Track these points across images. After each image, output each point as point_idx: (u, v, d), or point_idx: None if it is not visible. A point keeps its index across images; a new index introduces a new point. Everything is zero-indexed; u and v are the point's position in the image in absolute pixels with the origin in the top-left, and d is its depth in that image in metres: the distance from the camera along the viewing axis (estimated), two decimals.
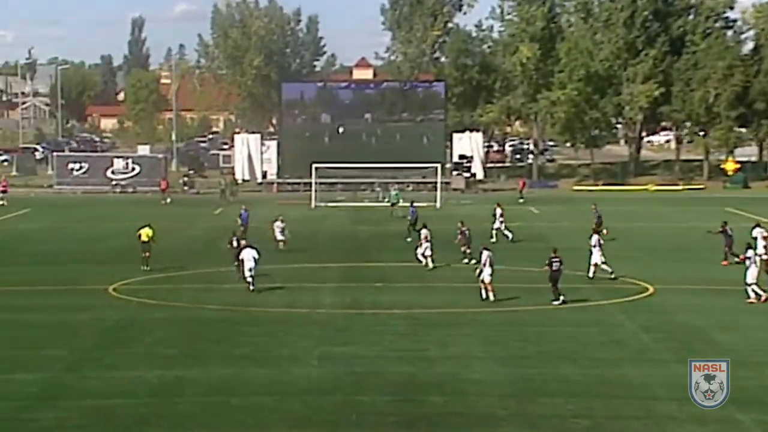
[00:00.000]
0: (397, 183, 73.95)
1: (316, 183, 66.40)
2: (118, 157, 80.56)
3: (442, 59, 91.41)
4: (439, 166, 70.14)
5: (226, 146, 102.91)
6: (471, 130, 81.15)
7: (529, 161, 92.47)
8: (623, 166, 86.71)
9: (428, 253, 38.12)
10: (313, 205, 63.82)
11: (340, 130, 78.49)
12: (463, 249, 39.61)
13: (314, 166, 66.51)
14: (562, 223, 52.22)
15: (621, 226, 53.13)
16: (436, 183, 68.07)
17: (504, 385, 22.47)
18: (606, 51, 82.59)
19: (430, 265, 37.93)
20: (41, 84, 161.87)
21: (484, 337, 26.98)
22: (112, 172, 76.39)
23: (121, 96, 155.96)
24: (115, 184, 75.66)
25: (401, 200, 57.13)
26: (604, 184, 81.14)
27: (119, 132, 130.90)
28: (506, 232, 46.12)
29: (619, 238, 48.39)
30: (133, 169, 76.41)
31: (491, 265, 31.52)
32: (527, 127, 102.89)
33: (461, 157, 77.21)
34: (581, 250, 43.41)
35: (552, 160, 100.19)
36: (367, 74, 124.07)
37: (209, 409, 20.72)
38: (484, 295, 31.52)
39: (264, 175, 77.43)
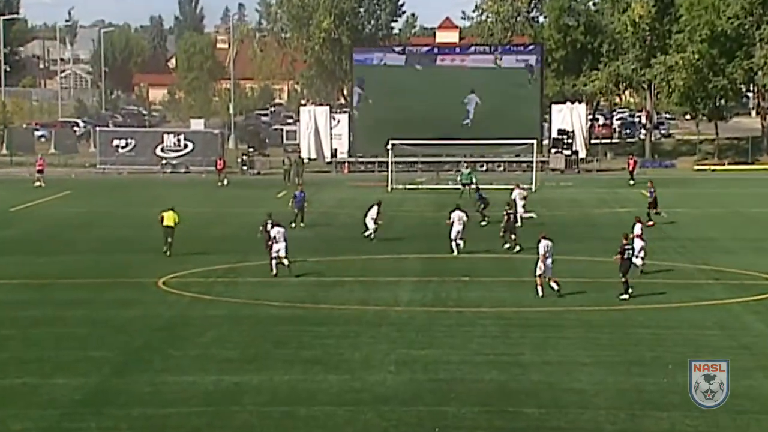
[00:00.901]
0: (486, 162, 73.93)
1: (393, 162, 66.77)
2: (168, 132, 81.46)
3: (540, 19, 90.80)
4: (534, 142, 69.80)
5: (290, 120, 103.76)
6: (573, 101, 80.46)
7: (641, 136, 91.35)
8: (754, 141, 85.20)
9: (455, 237, 39.06)
10: (389, 187, 64.09)
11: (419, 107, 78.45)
12: (502, 234, 40.04)
13: (391, 143, 66.86)
14: (679, 209, 51.55)
15: (752, 212, 52.29)
16: (531, 162, 67.80)
17: (612, 395, 22.34)
18: (735, 6, 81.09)
19: (455, 251, 38.91)
20: (82, 50, 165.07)
21: (587, 340, 26.85)
22: (162, 150, 77.41)
23: (172, 63, 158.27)
24: (166, 164, 76.63)
25: (474, 180, 57.12)
26: (730, 163, 79.88)
27: (170, 104, 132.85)
28: (527, 215, 46.29)
29: (749, 226, 47.64)
30: (186, 146, 77.28)
31: (550, 257, 31.66)
32: (639, 97, 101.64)
33: (561, 132, 76.65)
34: (702, 240, 43.00)
35: (668, 136, 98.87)
36: (452, 37, 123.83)
37: (272, 420, 20.98)
38: (540, 292, 31.64)
39: (333, 154, 77.98)
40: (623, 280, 31.50)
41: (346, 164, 77.33)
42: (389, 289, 33.37)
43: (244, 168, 76.44)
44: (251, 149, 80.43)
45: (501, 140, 71.92)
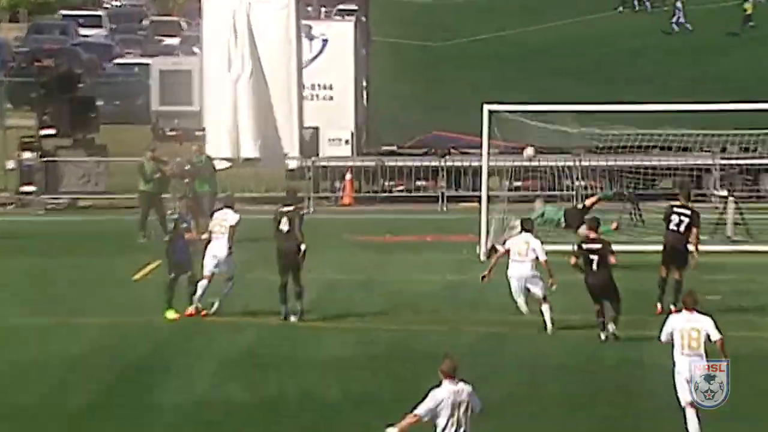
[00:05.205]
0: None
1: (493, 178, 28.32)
2: None
3: None
4: None
5: (171, 40, 54.38)
6: None
7: None
8: None
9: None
10: (481, 249, 26.21)
11: None
12: None
13: (487, 108, 27.09)
14: None
15: None
16: None
17: None
18: None
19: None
20: None
21: None
22: None
23: None
24: None
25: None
26: None
27: None
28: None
29: None
30: None
31: None
32: None
33: None
34: None
35: None
36: None
37: None
38: None
39: (309, 146, 33.63)
40: None
41: (349, 175, 33.59)
42: None
43: (24, 191, 33.25)
44: (45, 129, 33.35)
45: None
